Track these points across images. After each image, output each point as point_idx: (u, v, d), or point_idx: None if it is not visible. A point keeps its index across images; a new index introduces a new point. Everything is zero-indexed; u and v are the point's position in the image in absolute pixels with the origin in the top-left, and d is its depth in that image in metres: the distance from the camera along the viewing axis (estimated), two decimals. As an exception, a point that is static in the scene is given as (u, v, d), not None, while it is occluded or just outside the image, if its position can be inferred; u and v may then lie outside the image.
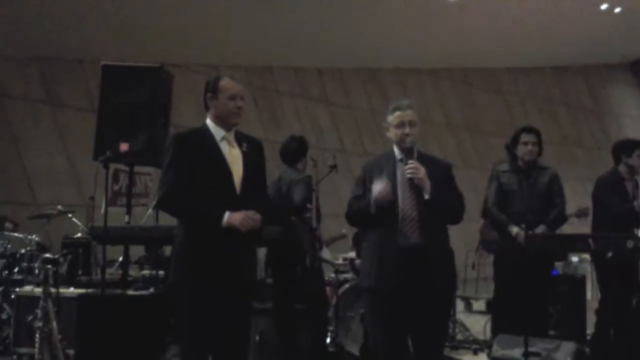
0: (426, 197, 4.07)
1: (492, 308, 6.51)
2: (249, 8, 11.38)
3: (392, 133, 4.26)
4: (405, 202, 4.13)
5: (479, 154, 16.76)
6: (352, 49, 14.19)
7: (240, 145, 4.01)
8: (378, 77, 15.82)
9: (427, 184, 4.07)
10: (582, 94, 20.97)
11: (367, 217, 4.18)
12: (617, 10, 17.32)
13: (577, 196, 6.62)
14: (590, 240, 5.24)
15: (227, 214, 3.81)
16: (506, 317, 6.00)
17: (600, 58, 20.88)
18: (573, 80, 20.81)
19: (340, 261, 7.32)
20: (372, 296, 4.22)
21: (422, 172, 4.08)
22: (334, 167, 6.20)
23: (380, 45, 14.38)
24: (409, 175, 4.08)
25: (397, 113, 4.23)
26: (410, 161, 4.12)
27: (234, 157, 3.97)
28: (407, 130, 4.19)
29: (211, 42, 11.80)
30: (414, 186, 4.11)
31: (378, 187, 4.07)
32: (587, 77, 21.25)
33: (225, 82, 4.01)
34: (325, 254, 6.58)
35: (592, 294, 8.67)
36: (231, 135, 4.01)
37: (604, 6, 17.06)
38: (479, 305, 10.35)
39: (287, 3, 11.61)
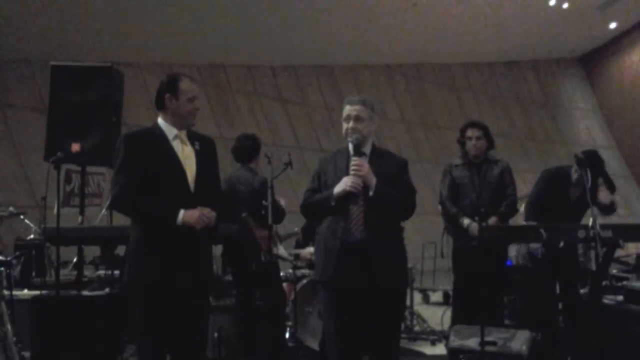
0: (370, 193, 4.08)
1: (453, 299, 6.56)
2: (201, 6, 11.31)
3: (343, 127, 4.26)
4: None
5: (433, 148, 16.91)
6: (305, 45, 14.21)
7: (192, 144, 4.00)
8: (332, 74, 15.86)
9: (372, 181, 4.06)
10: (533, 88, 21.27)
11: (325, 209, 4.17)
12: (565, 5, 17.61)
13: (529, 187, 6.72)
14: (542, 231, 5.31)
15: (182, 212, 3.80)
16: (463, 307, 6.09)
17: (549, 52, 21.21)
18: (524, 74, 21.10)
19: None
20: (322, 288, 4.24)
21: (365, 168, 4.07)
22: (289, 164, 6.20)
23: (333, 41, 14.42)
24: (352, 172, 4.08)
25: (347, 107, 4.23)
26: (353, 158, 4.12)
27: (187, 155, 3.96)
28: (350, 124, 4.18)
29: (162, 40, 11.71)
30: (363, 182, 4.11)
31: (346, 179, 4.06)
32: (538, 71, 21.57)
33: (185, 84, 3.99)
34: (281, 250, 6.59)
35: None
36: (184, 134, 4.00)
37: (552, 2, 17.33)
38: (437, 296, 10.46)
39: (239, 1, 11.56)
